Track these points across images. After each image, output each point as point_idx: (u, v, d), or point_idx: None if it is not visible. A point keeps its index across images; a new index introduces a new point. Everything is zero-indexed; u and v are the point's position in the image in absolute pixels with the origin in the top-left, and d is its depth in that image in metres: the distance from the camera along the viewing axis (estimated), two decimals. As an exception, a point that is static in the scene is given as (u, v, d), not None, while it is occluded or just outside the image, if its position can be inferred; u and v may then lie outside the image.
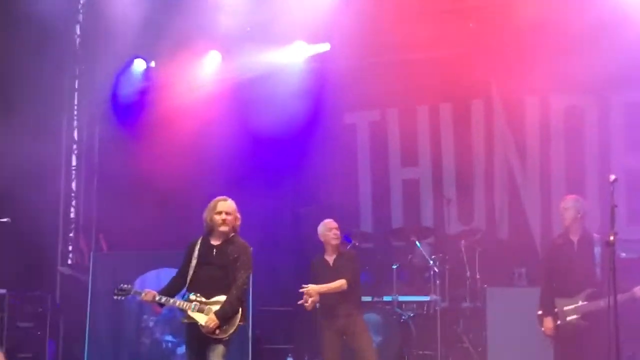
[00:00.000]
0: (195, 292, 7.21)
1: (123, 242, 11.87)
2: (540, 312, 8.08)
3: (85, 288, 11.04)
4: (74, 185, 13.22)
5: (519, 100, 11.42)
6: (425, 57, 11.40)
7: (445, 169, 11.86)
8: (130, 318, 10.71)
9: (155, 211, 11.89)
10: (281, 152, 12.09)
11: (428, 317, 10.40)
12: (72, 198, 13.20)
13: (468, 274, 10.47)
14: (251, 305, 10.03)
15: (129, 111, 12.45)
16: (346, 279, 8.22)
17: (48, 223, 12.18)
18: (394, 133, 12.21)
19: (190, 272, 7.27)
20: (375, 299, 10.43)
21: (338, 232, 8.51)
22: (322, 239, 8.53)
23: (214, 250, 7.28)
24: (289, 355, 10.48)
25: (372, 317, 9.81)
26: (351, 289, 8.26)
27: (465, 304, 10.44)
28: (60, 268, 12.23)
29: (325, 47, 11.97)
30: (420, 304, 10.54)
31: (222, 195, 7.47)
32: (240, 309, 7.20)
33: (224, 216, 7.28)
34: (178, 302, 7.26)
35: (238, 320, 7.17)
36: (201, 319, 7.11)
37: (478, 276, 10.45)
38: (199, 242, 7.39)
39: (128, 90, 12.62)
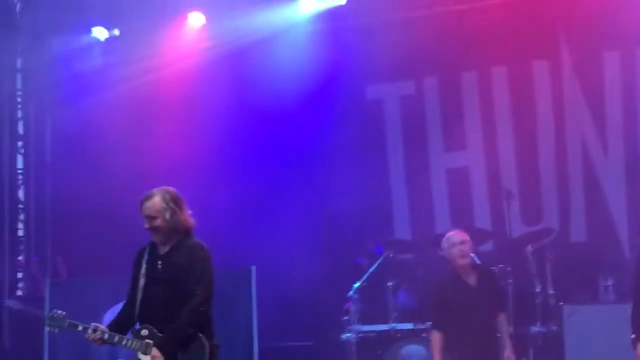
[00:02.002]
0: (147, 323, 6.89)
1: (87, 266, 11.83)
2: (634, 336, 7.95)
3: (41, 326, 10.99)
4: (20, 193, 13.22)
5: (596, 58, 11.34)
6: (470, 8, 11.38)
7: (503, 153, 11.81)
8: (101, 362, 10.68)
9: (128, 224, 11.80)
10: (286, 141, 12.10)
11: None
12: (20, 211, 13.19)
13: (538, 289, 10.38)
14: (256, 340, 9.97)
15: (88, 95, 12.42)
16: (501, 311, 8.93)
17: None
18: (434, 109, 12.17)
19: (139, 295, 6.96)
20: (418, 325, 10.34)
21: (465, 248, 8.80)
22: (447, 257, 8.88)
23: (159, 261, 6.97)
24: (309, 403, 10.46)
25: (414, 349, 9.84)
26: (495, 321, 8.83)
27: (536, 328, 10.34)
28: (7, 301, 12.21)
29: (339, 0, 11.91)
30: (477, 330, 10.45)
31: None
32: (208, 345, 6.79)
33: (147, 224, 6.97)
34: (125, 340, 6.93)
35: None
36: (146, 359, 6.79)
37: (551, 291, 10.38)
38: (147, 251, 7.10)
39: (85, 68, 12.61)
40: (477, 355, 8.65)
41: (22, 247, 13.13)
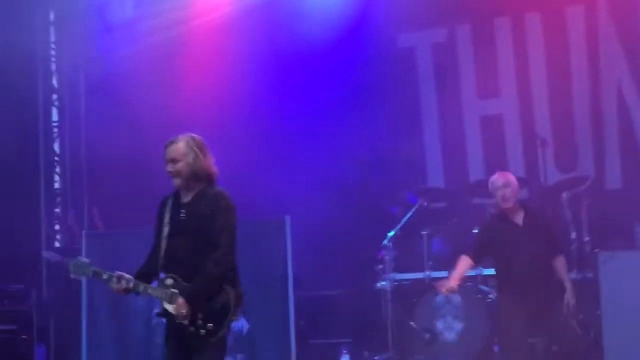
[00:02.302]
0: (172, 272, 6.73)
1: (122, 217, 11.87)
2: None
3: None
4: (56, 146, 13.30)
5: (632, 2, 11.20)
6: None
7: (537, 100, 11.73)
8: (138, 314, 10.72)
9: (161, 175, 11.83)
10: (319, 89, 12.08)
11: (523, 294, 10.28)
12: (55, 163, 13.25)
13: (573, 235, 10.32)
14: (291, 289, 9.98)
15: (121, 47, 12.44)
16: (558, 253, 8.80)
17: (26, 196, 12.23)
18: (467, 56, 12.10)
19: (163, 244, 6.80)
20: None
21: (507, 192, 8.71)
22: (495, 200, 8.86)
23: (182, 210, 6.81)
24: (344, 351, 10.47)
25: (449, 297, 9.76)
26: (549, 262, 8.71)
27: (572, 275, 10.25)
28: (44, 253, 12.29)
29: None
30: (511, 277, 10.42)
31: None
32: (233, 295, 6.64)
33: (169, 167, 6.80)
34: (150, 289, 6.75)
35: (230, 315, 6.61)
36: (172, 308, 6.64)
37: (587, 238, 10.32)
38: (170, 199, 6.93)
39: (117, 20, 12.60)
40: (529, 296, 8.55)
41: (58, 199, 13.22)
